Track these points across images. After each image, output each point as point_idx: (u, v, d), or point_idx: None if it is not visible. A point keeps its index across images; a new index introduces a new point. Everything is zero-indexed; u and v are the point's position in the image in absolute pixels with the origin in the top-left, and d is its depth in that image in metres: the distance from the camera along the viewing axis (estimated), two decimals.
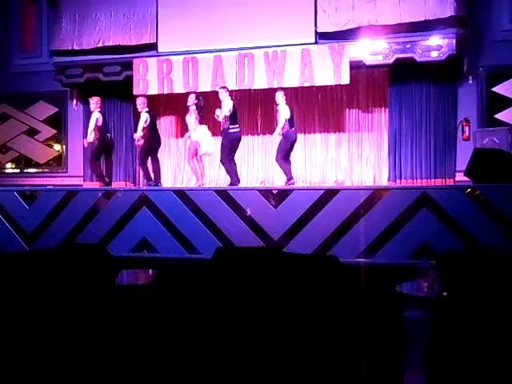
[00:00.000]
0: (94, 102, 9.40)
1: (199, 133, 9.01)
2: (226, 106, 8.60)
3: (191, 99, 9.12)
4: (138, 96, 10.01)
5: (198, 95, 9.28)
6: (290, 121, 8.70)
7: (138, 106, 9.26)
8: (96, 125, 9.18)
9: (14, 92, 11.64)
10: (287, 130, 8.66)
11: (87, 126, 11.34)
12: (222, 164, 8.90)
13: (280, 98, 8.83)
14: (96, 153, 9.40)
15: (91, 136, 9.15)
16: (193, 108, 9.09)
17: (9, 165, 12.24)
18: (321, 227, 7.09)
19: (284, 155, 8.74)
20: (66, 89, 11.38)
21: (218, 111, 8.61)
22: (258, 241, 7.23)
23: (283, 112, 8.69)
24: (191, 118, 9.10)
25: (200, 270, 2.05)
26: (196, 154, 9.19)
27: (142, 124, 9.02)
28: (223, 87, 9.02)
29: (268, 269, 2.03)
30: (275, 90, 9.29)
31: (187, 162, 9.73)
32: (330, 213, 7.10)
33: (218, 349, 1.84)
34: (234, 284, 1.93)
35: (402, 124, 9.96)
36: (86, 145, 9.48)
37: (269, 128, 10.97)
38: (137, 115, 11.26)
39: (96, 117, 9.22)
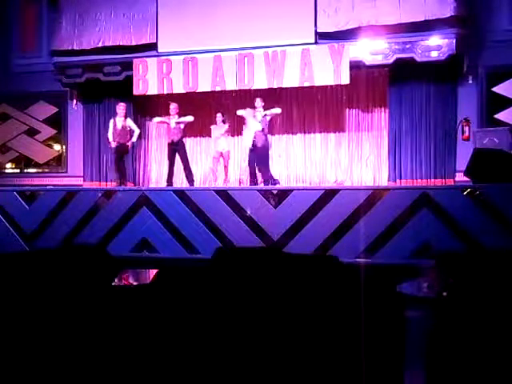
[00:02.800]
0: (122, 107, 9.74)
1: (224, 142, 9.99)
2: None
3: (219, 118, 9.88)
4: (136, 96, 10.00)
5: (222, 112, 10.02)
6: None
7: (172, 111, 9.68)
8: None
9: (14, 92, 11.64)
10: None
11: (87, 126, 11.41)
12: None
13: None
14: (118, 155, 9.73)
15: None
16: (221, 123, 9.93)
17: (9, 165, 12.24)
18: (321, 227, 7.08)
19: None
20: (66, 89, 11.38)
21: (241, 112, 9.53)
22: (258, 241, 7.23)
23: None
24: (220, 130, 9.90)
25: (200, 269, 2.05)
26: (218, 160, 10.08)
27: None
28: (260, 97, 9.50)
29: (268, 269, 2.03)
30: (275, 89, 9.32)
31: (213, 165, 10.35)
32: (329, 213, 7.10)
33: (218, 349, 1.84)
34: (233, 284, 1.93)
35: (401, 124, 9.96)
36: (113, 146, 9.77)
37: (269, 128, 10.98)
38: (137, 115, 11.32)
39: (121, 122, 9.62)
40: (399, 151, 9.94)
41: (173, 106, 9.71)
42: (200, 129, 11.16)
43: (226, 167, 10.11)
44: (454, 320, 1.94)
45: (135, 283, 4.11)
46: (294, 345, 1.81)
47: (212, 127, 10.05)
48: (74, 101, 11.51)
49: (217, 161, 10.09)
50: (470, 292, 2.02)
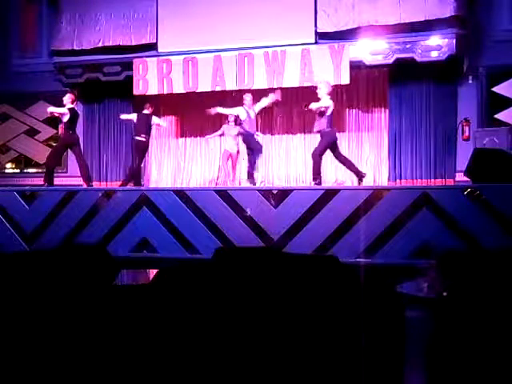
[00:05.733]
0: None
1: (234, 142, 10.07)
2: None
3: (231, 118, 9.92)
4: (137, 96, 9.98)
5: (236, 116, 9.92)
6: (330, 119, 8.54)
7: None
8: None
9: (14, 92, 11.64)
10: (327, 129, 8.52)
11: (87, 126, 11.40)
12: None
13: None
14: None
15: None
16: (232, 122, 9.99)
17: (9, 165, 12.24)
18: (321, 227, 7.08)
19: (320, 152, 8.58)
20: (66, 89, 11.37)
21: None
22: (258, 241, 7.23)
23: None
24: (231, 131, 9.98)
25: (200, 269, 2.05)
26: (228, 159, 10.14)
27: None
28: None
29: (268, 269, 2.03)
30: (275, 89, 9.32)
31: (222, 165, 10.55)
32: (329, 213, 7.10)
33: (217, 349, 1.84)
34: (233, 284, 1.93)
35: (401, 124, 9.97)
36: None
37: (268, 128, 10.98)
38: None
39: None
40: (399, 151, 9.95)
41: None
42: (199, 129, 11.17)
43: (233, 167, 10.18)
44: (454, 320, 1.94)
45: (135, 283, 4.11)
46: (293, 345, 1.81)
47: (224, 126, 10.13)
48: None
49: (226, 160, 10.20)
50: (471, 292, 2.02)
